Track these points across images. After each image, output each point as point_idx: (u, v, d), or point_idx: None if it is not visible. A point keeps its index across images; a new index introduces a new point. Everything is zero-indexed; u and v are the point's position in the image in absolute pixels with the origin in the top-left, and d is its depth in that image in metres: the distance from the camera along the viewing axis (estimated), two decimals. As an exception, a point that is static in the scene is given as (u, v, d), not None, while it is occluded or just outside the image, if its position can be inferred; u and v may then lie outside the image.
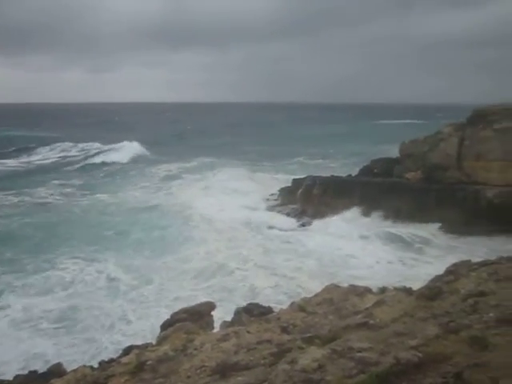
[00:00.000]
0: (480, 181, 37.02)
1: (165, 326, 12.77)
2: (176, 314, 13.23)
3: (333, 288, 11.51)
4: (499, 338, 5.05)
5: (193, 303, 14.71)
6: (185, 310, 12.86)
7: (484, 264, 9.58)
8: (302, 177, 46.65)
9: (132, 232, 35.52)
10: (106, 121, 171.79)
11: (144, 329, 20.90)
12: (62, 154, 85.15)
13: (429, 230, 35.28)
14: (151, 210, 42.54)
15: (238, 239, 34.48)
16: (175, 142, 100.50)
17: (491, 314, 5.72)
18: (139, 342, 14.59)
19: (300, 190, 43.97)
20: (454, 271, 9.72)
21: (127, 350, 12.81)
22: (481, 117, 38.95)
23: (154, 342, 12.12)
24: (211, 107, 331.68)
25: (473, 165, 37.56)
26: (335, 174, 47.77)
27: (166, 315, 14.68)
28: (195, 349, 8.10)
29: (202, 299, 19.72)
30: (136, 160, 74.50)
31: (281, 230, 37.24)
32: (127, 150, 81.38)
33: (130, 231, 35.63)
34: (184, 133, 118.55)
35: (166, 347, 9.24)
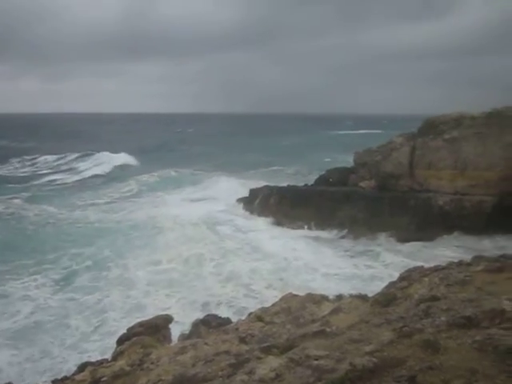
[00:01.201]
0: (431, 189, 38.18)
1: (121, 340, 12.49)
2: (132, 327, 12.97)
3: (290, 297, 11.57)
4: (450, 341, 5.19)
5: (150, 316, 14.50)
6: (141, 324, 12.63)
7: (436, 269, 9.85)
8: (259, 187, 46.89)
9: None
10: (74, 131, 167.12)
11: (100, 344, 20.40)
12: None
13: (383, 238, 36.03)
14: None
15: (197, 247, 34.34)
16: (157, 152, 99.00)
17: (443, 318, 5.87)
18: (95, 358, 14.23)
19: (257, 200, 44.15)
20: (407, 277, 9.94)
21: (82, 367, 12.45)
22: (431, 127, 40.28)
23: (109, 358, 11.85)
24: (170, 118, 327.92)
25: (424, 173, 38.72)
26: (292, 184, 48.28)
27: (122, 329, 14.39)
28: (152, 363, 7.97)
29: (160, 312, 19.54)
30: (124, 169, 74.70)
31: (239, 236, 37.26)
32: (116, 160, 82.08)
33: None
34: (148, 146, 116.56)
35: (121, 362, 9.05)
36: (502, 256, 9.99)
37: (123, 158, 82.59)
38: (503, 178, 36.00)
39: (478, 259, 10.08)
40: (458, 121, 38.71)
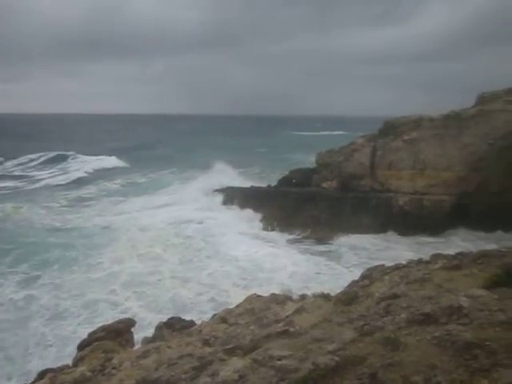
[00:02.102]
0: (392, 189, 38.96)
1: (82, 346, 12.22)
2: (94, 332, 12.70)
3: (254, 298, 11.57)
4: (410, 337, 5.29)
5: (113, 319, 14.26)
6: (103, 328, 12.38)
7: (396, 268, 10.03)
8: (222, 188, 46.82)
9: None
10: (40, 131, 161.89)
11: (61, 350, 19.94)
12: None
13: (346, 237, 36.51)
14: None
15: (158, 249, 33.97)
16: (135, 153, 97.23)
17: (403, 316, 5.98)
18: (56, 365, 13.88)
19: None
20: (368, 276, 10.09)
21: (41, 374, 12.13)
22: (391, 128, 41.12)
23: (70, 364, 11.59)
24: (136, 119, 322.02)
25: (385, 173, 39.48)
26: (255, 184, 48.39)
27: (83, 334, 14.08)
28: (114, 368, 7.83)
29: (123, 314, 19.25)
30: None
31: (203, 239, 37.05)
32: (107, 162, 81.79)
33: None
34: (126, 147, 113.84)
35: (82, 368, 8.85)
36: (460, 253, 10.25)
37: (94, 163, 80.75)
38: (461, 178, 37.08)
39: (436, 257, 10.31)
40: (417, 122, 39.65)
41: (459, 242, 34.08)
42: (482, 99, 39.44)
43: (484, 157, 36.50)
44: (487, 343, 4.81)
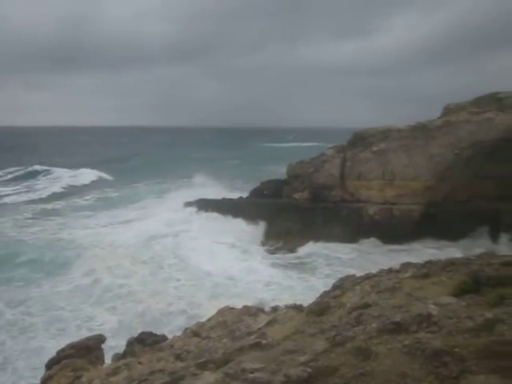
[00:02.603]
0: (362, 199, 39.40)
1: (50, 364, 11.91)
2: (62, 350, 12.40)
3: (226, 310, 11.49)
4: (381, 346, 5.32)
5: (81, 336, 13.95)
6: (72, 346, 12.10)
7: (367, 277, 10.10)
8: (195, 200, 46.51)
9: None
10: (12, 145, 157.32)
11: (26, 369, 19.38)
12: None
13: (318, 247, 36.67)
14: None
15: (128, 264, 33.45)
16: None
17: (374, 325, 6.02)
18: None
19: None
20: (340, 286, 10.14)
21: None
22: (360, 139, 41.69)
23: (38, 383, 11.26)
24: (107, 131, 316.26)
25: (355, 184, 39.92)
26: (227, 197, 48.23)
27: (51, 352, 13.72)
28: (83, 386, 7.64)
29: (91, 332, 18.85)
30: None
31: (173, 252, 36.57)
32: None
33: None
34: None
35: (50, 387, 8.62)
36: (428, 262, 10.39)
37: (67, 179, 79.00)
38: (429, 187, 37.77)
39: (406, 266, 10.43)
40: (385, 133, 40.29)
41: (428, 251, 34.60)
42: (448, 110, 40.38)
43: (450, 166, 37.30)
44: (456, 350, 4.88)
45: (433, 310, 6.05)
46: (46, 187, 72.42)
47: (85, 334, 17.27)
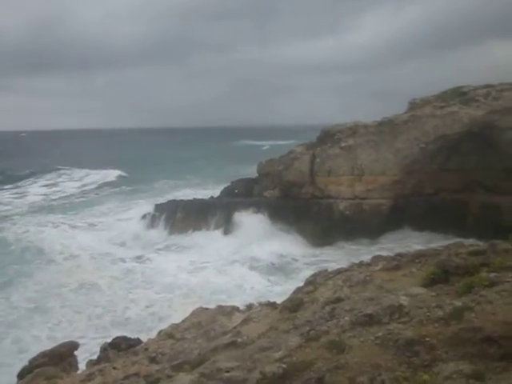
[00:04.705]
0: (332, 195, 39.72)
1: (22, 374, 11.66)
2: (34, 359, 12.15)
3: (200, 311, 11.45)
4: (354, 339, 5.40)
5: (53, 344, 13.67)
6: (44, 354, 11.87)
7: (339, 272, 10.21)
8: (164, 202, 46.16)
9: None
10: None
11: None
12: None
13: (289, 245, 36.80)
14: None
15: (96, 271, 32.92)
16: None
17: (346, 318, 6.10)
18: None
19: (163, 215, 43.44)
20: (313, 281, 10.22)
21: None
22: (328, 136, 42.01)
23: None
24: (79, 134, 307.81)
25: (325, 180, 40.19)
26: (198, 196, 48.06)
27: (23, 362, 13.41)
28: (56, 394, 7.50)
29: (64, 339, 18.48)
30: None
31: (138, 258, 36.19)
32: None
33: None
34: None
35: (23, 398, 8.44)
36: (398, 254, 10.56)
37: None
38: (396, 181, 38.35)
39: (376, 259, 10.59)
40: (352, 129, 40.70)
41: (398, 243, 35.16)
42: (414, 105, 41.06)
43: (417, 160, 37.95)
44: (427, 339, 4.98)
45: (404, 300, 6.16)
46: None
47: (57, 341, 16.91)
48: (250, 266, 33.37)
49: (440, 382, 3.75)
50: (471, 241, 26.11)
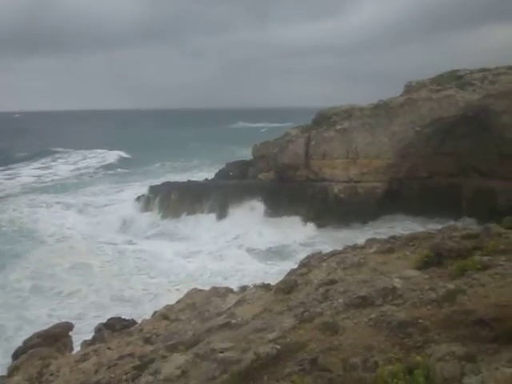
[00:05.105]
0: (327, 178, 39.73)
1: (17, 354, 11.70)
2: (29, 339, 12.18)
3: (195, 292, 11.50)
4: (348, 321, 5.44)
5: (48, 326, 13.71)
6: (38, 335, 11.89)
7: (333, 254, 10.26)
8: (159, 184, 46.00)
9: None
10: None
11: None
12: None
13: (284, 228, 36.88)
14: None
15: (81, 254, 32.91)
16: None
17: (340, 300, 6.14)
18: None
19: (158, 198, 43.34)
20: (307, 263, 10.27)
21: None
22: (324, 119, 41.90)
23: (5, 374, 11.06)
24: (72, 115, 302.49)
25: (320, 163, 40.16)
26: (192, 179, 47.97)
27: (18, 342, 13.44)
28: (51, 374, 7.55)
29: (59, 319, 18.56)
30: None
31: (131, 242, 36.17)
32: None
33: None
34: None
35: (18, 378, 8.50)
36: (392, 237, 10.62)
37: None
38: (391, 165, 38.37)
39: (370, 242, 10.64)
40: (348, 112, 40.57)
41: (392, 226, 35.36)
42: (409, 88, 40.89)
43: (412, 144, 37.92)
44: (420, 321, 5.02)
45: (397, 283, 6.20)
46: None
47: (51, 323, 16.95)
48: (245, 249, 33.45)
49: (432, 364, 3.79)
50: (465, 224, 26.40)
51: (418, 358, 3.92)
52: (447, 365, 3.76)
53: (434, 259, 7.62)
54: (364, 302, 5.82)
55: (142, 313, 20.36)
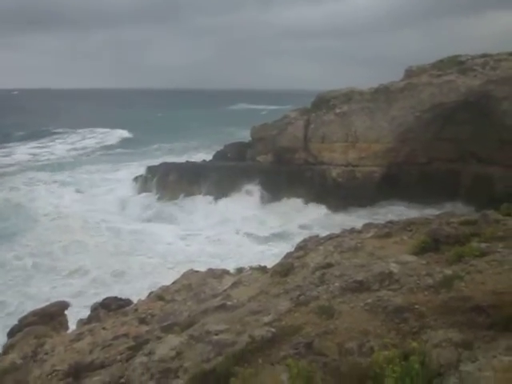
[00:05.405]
0: (325, 161, 39.65)
1: (13, 332, 11.72)
2: (25, 317, 12.20)
3: (191, 273, 11.49)
4: (344, 305, 5.41)
5: (43, 304, 13.73)
6: (34, 313, 11.90)
7: (330, 238, 10.24)
8: (157, 164, 45.79)
9: None
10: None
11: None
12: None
13: (281, 210, 36.93)
14: None
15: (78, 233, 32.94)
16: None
17: (336, 284, 6.10)
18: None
19: (155, 178, 43.20)
20: (303, 247, 10.25)
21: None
22: (323, 102, 41.65)
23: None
24: (72, 93, 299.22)
25: (318, 147, 40.03)
26: (190, 160, 47.81)
27: (13, 320, 13.46)
28: (46, 353, 7.55)
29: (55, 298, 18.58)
30: None
31: (127, 222, 36.10)
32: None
33: None
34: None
35: (13, 355, 8.49)
36: (390, 222, 10.59)
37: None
38: (390, 149, 38.24)
39: (368, 226, 10.61)
40: (348, 96, 40.31)
41: (389, 211, 35.37)
42: (410, 73, 40.56)
43: (411, 128, 37.74)
44: (416, 307, 4.99)
45: (394, 268, 6.16)
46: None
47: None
48: (242, 232, 33.45)
49: (429, 350, 3.76)
50: (463, 210, 26.37)
51: (414, 344, 3.89)
52: (443, 351, 3.74)
53: (431, 245, 7.59)
54: (360, 287, 5.79)
55: (138, 293, 20.52)
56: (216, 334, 5.16)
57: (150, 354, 5.36)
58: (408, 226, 9.66)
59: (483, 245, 6.77)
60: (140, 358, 5.33)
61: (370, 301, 5.33)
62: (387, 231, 9.39)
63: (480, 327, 4.28)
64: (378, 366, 3.72)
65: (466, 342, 3.89)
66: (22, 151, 68.57)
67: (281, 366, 4.30)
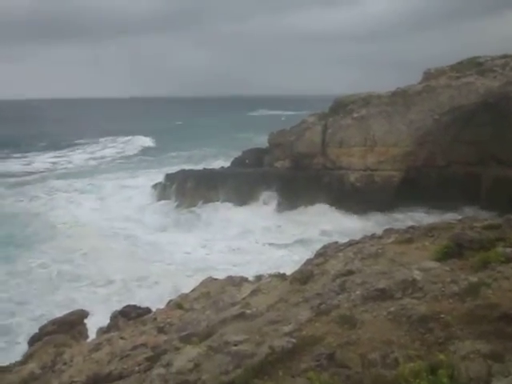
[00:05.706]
0: (343, 166, 39.36)
1: (33, 340, 11.76)
2: (44, 326, 12.23)
3: (210, 281, 11.41)
4: (366, 314, 5.25)
5: (64, 312, 13.76)
6: (54, 322, 11.93)
7: (350, 244, 10.07)
8: (175, 172, 45.98)
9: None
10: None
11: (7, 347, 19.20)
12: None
13: (298, 217, 36.68)
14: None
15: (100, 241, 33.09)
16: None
17: (358, 292, 5.95)
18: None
19: (174, 185, 43.37)
20: (323, 253, 10.09)
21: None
22: (341, 106, 41.43)
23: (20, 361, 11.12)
24: (86, 103, 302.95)
25: (336, 151, 39.78)
26: (208, 167, 47.92)
27: (34, 329, 13.53)
28: (65, 363, 7.52)
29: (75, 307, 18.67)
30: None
31: (147, 229, 36.18)
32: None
33: None
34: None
35: (32, 365, 8.48)
36: (411, 227, 10.38)
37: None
38: (409, 153, 37.83)
39: (388, 232, 10.42)
40: (365, 100, 40.04)
41: (410, 216, 34.93)
42: (428, 75, 40.15)
43: (430, 131, 37.30)
44: (442, 316, 4.82)
45: (417, 275, 5.99)
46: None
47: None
48: (264, 239, 33.28)
49: (457, 363, 3.60)
50: (484, 214, 25.88)
51: (441, 357, 3.73)
52: (472, 364, 3.57)
53: (455, 250, 7.38)
54: (383, 295, 5.63)
55: (159, 299, 20.52)
56: (235, 345, 5.05)
57: (167, 365, 5.27)
58: (430, 231, 9.43)
59: (509, 250, 6.55)
60: (158, 370, 5.24)
61: (392, 309, 5.17)
62: (408, 237, 9.19)
63: (509, 337, 4.10)
64: (403, 380, 3.57)
65: (496, 354, 3.71)
66: (42, 160, 69.55)
67: (302, 379, 4.16)
